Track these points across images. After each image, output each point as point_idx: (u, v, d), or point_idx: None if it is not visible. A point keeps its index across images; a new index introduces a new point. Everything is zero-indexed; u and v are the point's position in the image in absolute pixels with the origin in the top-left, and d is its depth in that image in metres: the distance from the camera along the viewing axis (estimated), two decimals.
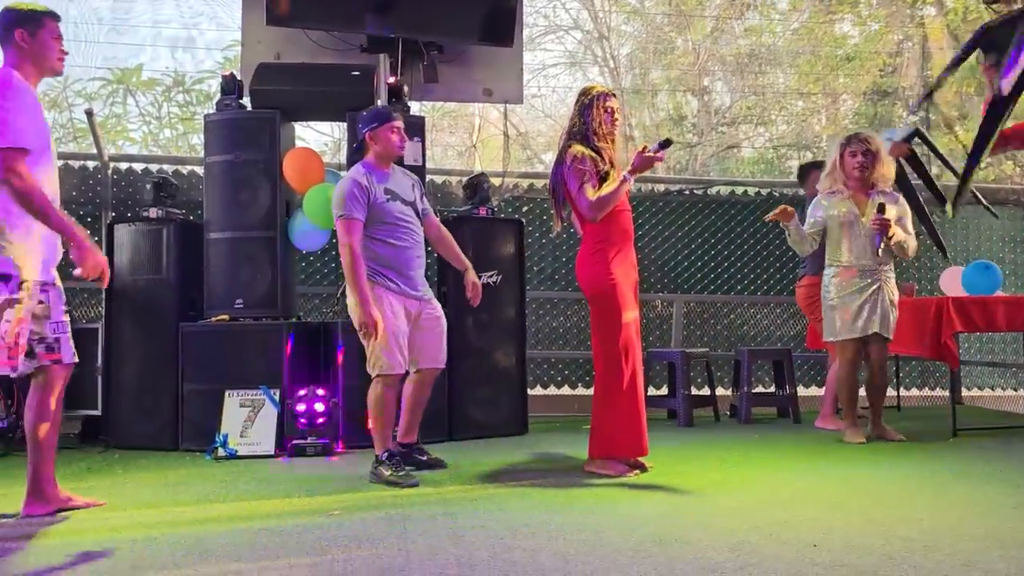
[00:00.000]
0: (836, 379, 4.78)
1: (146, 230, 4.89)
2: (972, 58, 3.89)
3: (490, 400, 5.04)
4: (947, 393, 6.41)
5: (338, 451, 4.47)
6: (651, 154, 3.64)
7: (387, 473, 3.63)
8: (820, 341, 5.03)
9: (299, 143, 5.55)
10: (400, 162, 4.09)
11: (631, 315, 3.70)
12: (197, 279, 4.86)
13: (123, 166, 6.30)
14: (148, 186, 5.10)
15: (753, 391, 5.83)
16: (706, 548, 2.51)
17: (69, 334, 3.14)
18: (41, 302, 3.02)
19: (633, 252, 3.85)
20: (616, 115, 3.82)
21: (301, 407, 4.54)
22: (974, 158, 3.09)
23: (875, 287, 4.48)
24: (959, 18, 11.84)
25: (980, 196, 5.41)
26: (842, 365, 4.59)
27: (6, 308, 2.84)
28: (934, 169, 6.39)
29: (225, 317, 4.74)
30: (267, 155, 4.82)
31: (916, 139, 5.29)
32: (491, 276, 5.05)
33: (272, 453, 4.39)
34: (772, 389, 6.08)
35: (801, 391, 5.84)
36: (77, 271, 2.93)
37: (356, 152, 4.04)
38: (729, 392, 6.15)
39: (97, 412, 4.91)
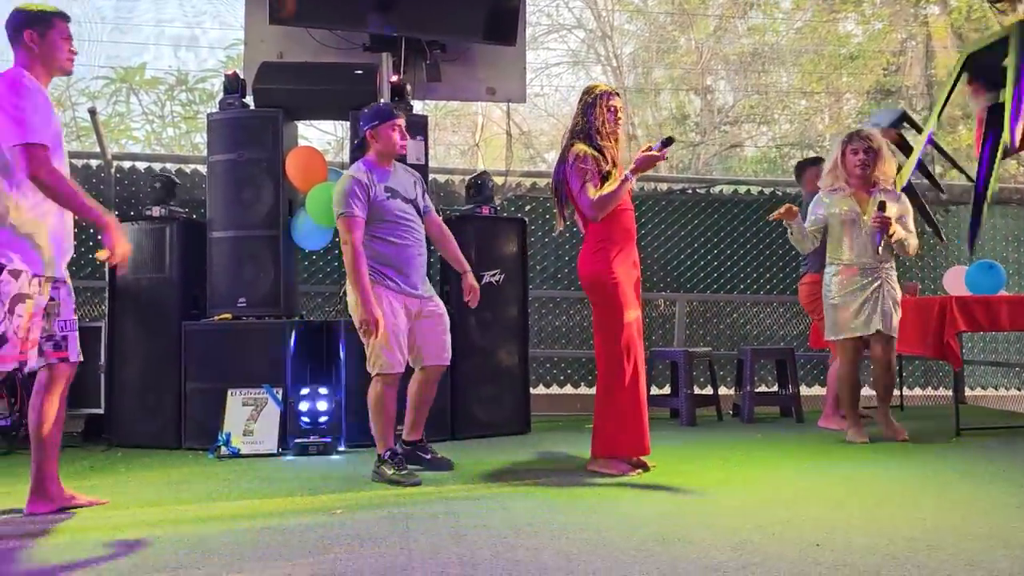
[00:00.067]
0: (837, 378, 4.77)
1: (149, 229, 4.90)
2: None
3: (493, 399, 5.04)
4: (950, 393, 6.40)
5: (340, 450, 4.47)
6: (653, 153, 3.63)
7: (389, 472, 3.63)
8: (823, 340, 5.03)
9: (302, 142, 5.56)
10: (403, 160, 4.09)
11: (633, 314, 3.70)
12: (200, 278, 4.86)
13: (126, 165, 6.31)
14: (156, 185, 5.09)
15: (756, 390, 5.83)
16: (709, 547, 2.50)
17: (77, 333, 3.16)
18: (52, 299, 3.03)
19: (635, 251, 3.85)
20: (619, 114, 3.82)
21: (304, 406, 4.55)
22: (980, 202, 3.07)
23: (876, 285, 4.47)
24: (963, 17, 11.83)
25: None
26: (843, 364, 4.58)
27: (17, 303, 2.86)
28: (937, 168, 6.38)
29: (228, 316, 4.75)
30: (270, 154, 4.82)
31: (904, 123, 5.31)
32: (494, 275, 5.05)
33: (275, 452, 4.40)
34: (775, 388, 6.08)
35: (804, 390, 5.84)
36: (102, 255, 2.98)
37: (357, 150, 4.04)
38: (732, 391, 6.15)
39: (100, 411, 4.92)
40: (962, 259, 6.85)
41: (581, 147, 3.72)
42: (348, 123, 5.04)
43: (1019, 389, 7.07)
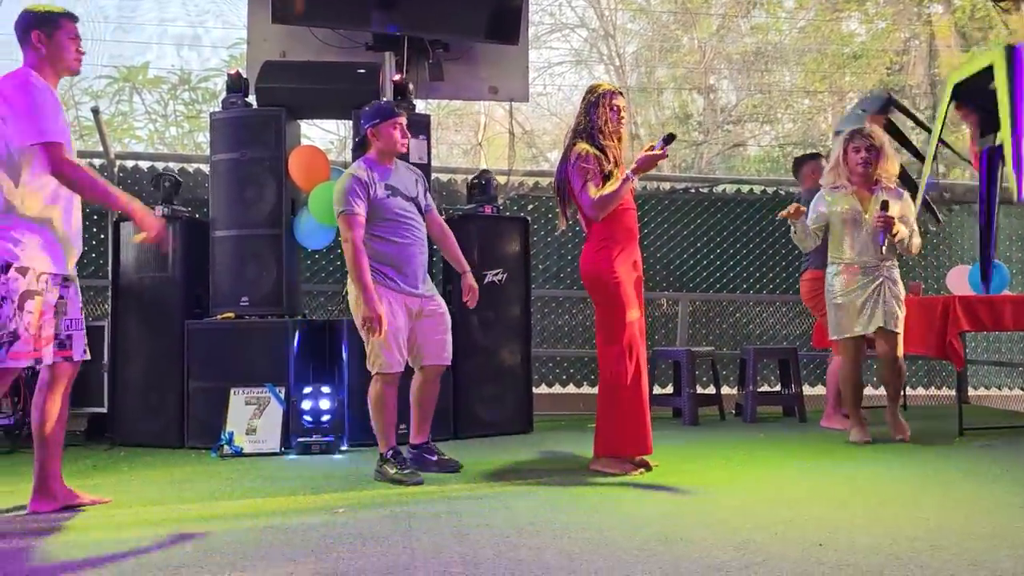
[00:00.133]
0: (840, 378, 4.75)
1: None
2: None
3: (495, 398, 5.04)
4: (953, 392, 6.39)
5: (343, 449, 4.47)
6: (655, 152, 3.63)
7: (392, 471, 3.63)
8: (826, 339, 5.01)
9: (304, 141, 5.56)
10: (405, 159, 4.08)
11: (635, 313, 3.69)
12: (203, 277, 4.87)
13: (129, 164, 6.32)
14: (165, 184, 5.09)
15: (759, 390, 5.82)
16: (711, 547, 2.50)
17: (83, 332, 3.17)
18: (61, 297, 3.05)
19: (638, 250, 3.84)
20: (622, 113, 3.81)
21: (306, 404, 4.55)
22: (988, 245, 3.07)
23: (879, 283, 4.45)
24: (966, 16, 11.81)
25: (930, 203, 5.48)
26: (845, 364, 4.57)
27: (26, 300, 2.87)
28: (940, 167, 6.37)
29: (231, 315, 4.75)
30: (273, 153, 4.82)
31: (891, 108, 5.33)
32: (496, 274, 5.05)
33: (278, 451, 4.40)
34: (778, 388, 6.07)
35: (807, 390, 5.83)
36: (139, 237, 3.12)
37: (358, 148, 4.03)
38: (735, 391, 6.14)
39: (103, 409, 4.93)
40: (965, 259, 6.84)
41: (583, 146, 3.72)
42: (351, 122, 5.04)
43: (1023, 389, 7.05)
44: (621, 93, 3.88)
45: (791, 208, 4.40)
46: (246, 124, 4.86)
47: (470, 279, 3.95)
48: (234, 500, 3.33)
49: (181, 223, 4.90)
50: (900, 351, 4.50)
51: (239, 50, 11.65)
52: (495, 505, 3.14)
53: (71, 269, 3.11)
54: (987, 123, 3.00)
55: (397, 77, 5.16)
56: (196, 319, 4.78)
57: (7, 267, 2.86)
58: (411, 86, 5.20)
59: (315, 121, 8.98)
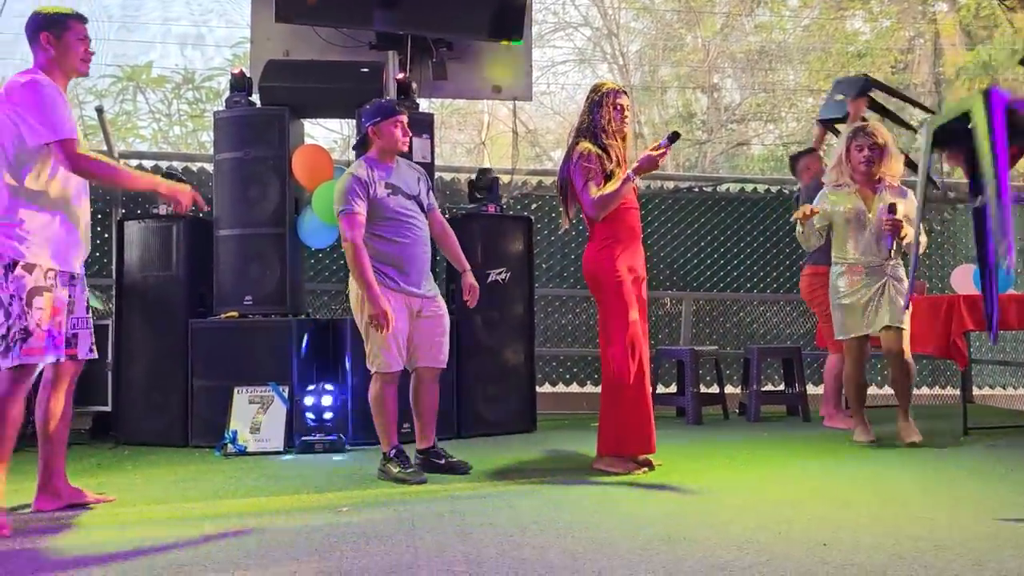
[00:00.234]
0: (844, 378, 4.73)
1: (156, 227, 4.91)
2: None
3: (499, 398, 5.04)
4: (958, 392, 6.38)
5: (346, 448, 4.47)
6: (658, 152, 3.62)
7: (395, 470, 3.62)
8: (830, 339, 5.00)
9: (308, 140, 5.56)
10: (408, 158, 4.08)
11: (635, 313, 3.69)
12: (206, 276, 4.87)
13: (133, 163, 6.32)
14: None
15: (762, 389, 5.82)
16: (714, 547, 2.50)
17: (90, 330, 3.19)
18: (70, 296, 3.05)
19: (641, 250, 3.84)
20: (626, 112, 3.81)
21: (309, 403, 4.55)
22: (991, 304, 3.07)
23: (883, 283, 4.42)
24: (971, 14, 11.78)
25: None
26: (849, 364, 4.54)
27: (35, 296, 2.88)
28: (945, 167, 6.37)
29: (234, 314, 4.76)
30: (276, 152, 4.82)
31: (871, 89, 5.38)
32: (500, 273, 5.05)
33: (281, 449, 4.40)
34: (781, 387, 6.06)
35: (811, 389, 5.82)
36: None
37: (359, 146, 4.02)
38: (738, 390, 6.13)
39: (107, 408, 4.94)
40: (970, 258, 6.82)
41: (586, 145, 3.71)
42: (354, 121, 5.04)
43: None
44: (625, 92, 3.87)
45: (805, 209, 4.37)
46: (250, 123, 4.87)
47: (470, 278, 3.92)
48: (238, 499, 3.33)
49: (185, 222, 4.90)
50: (906, 346, 4.40)
51: (243, 49, 11.66)
52: (498, 504, 3.14)
53: (78, 267, 3.12)
54: (975, 165, 3.03)
55: (400, 76, 5.16)
56: (200, 318, 4.79)
57: (14, 264, 2.87)
58: (414, 85, 5.20)
59: (319, 120, 8.98)
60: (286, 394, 4.53)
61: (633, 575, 2.24)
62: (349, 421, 4.57)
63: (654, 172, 3.90)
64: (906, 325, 4.39)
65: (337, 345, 4.78)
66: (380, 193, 3.69)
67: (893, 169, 4.49)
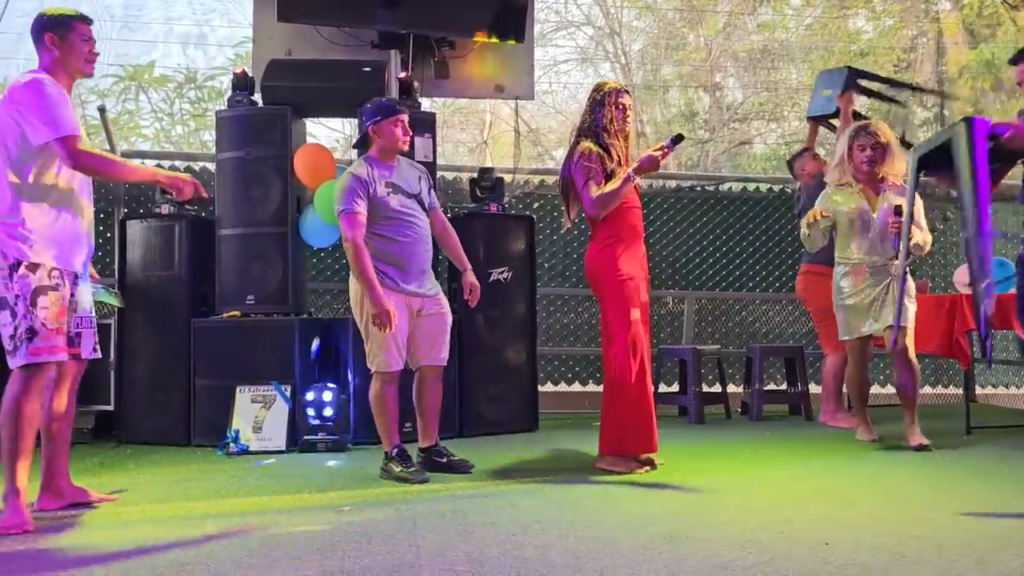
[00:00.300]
0: (846, 378, 4.72)
1: (158, 226, 4.91)
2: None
3: (501, 397, 5.04)
4: (961, 391, 6.37)
5: (348, 447, 4.48)
6: (660, 152, 3.62)
7: (397, 469, 3.63)
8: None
9: (310, 139, 5.57)
10: (410, 157, 4.07)
11: (636, 313, 3.69)
12: (208, 275, 4.88)
13: (135, 162, 6.33)
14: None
15: (765, 388, 5.81)
16: (716, 546, 2.50)
17: (94, 329, 3.20)
18: (73, 295, 3.06)
19: (643, 249, 3.84)
20: (628, 112, 3.80)
21: (311, 401, 4.55)
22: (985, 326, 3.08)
23: (887, 282, 4.41)
24: (974, 13, 11.75)
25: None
26: (851, 364, 4.53)
27: (39, 295, 2.88)
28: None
29: (236, 313, 4.76)
30: (278, 151, 4.83)
31: (857, 80, 5.43)
32: (502, 272, 5.05)
33: (283, 449, 4.41)
34: (784, 386, 6.05)
35: (813, 388, 5.81)
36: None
37: (359, 145, 4.01)
38: (740, 389, 6.13)
39: (110, 407, 4.94)
40: None
41: (587, 144, 3.71)
42: (356, 120, 5.04)
43: None
44: (627, 91, 3.87)
45: (816, 213, 4.35)
46: (251, 122, 4.87)
47: (471, 277, 3.92)
48: (240, 498, 3.34)
49: (187, 221, 4.91)
50: (908, 344, 4.34)
51: (245, 48, 11.67)
52: (500, 503, 3.14)
53: (82, 266, 3.12)
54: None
55: (402, 75, 5.16)
56: (202, 317, 4.79)
57: (18, 264, 2.87)
58: (416, 84, 5.20)
59: (320, 119, 8.99)
60: (288, 393, 4.53)
61: (635, 574, 2.24)
62: (351, 420, 4.57)
63: (656, 171, 3.90)
64: (908, 323, 4.36)
65: (339, 344, 4.78)
66: (381, 192, 3.68)
67: (896, 168, 4.46)
